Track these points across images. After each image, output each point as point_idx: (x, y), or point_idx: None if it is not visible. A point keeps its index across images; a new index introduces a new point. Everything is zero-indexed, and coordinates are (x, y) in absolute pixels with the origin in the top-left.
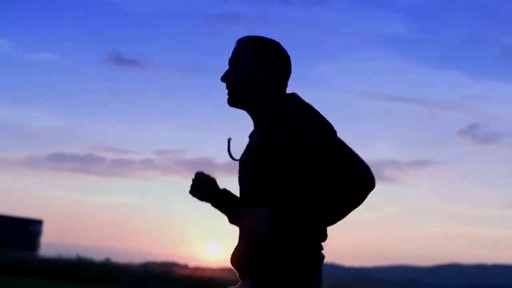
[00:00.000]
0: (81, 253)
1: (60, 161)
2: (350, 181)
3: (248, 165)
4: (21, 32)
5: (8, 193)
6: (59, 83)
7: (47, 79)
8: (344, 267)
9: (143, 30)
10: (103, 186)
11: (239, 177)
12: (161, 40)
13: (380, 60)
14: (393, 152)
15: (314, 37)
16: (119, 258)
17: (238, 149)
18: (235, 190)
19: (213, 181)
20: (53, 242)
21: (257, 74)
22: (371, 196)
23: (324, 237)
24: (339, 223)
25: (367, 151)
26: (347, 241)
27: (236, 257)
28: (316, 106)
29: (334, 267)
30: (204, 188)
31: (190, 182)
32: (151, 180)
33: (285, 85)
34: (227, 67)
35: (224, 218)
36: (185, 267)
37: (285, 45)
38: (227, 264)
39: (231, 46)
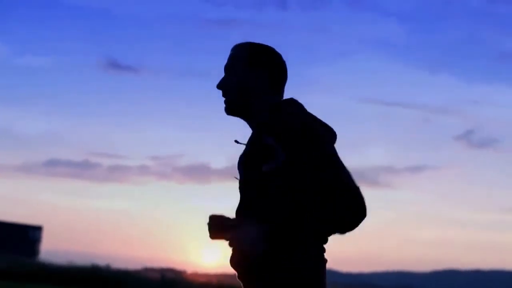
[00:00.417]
0: (76, 259)
1: (55, 167)
2: (344, 205)
3: (250, 173)
4: (16, 36)
5: (4, 200)
6: (53, 89)
7: (41, 84)
8: (341, 273)
9: (137, 34)
10: (98, 192)
11: (239, 184)
12: (156, 45)
13: (375, 65)
14: (389, 158)
15: (309, 41)
16: (116, 264)
17: (239, 154)
18: (233, 194)
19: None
20: (49, 248)
21: (253, 81)
22: (367, 202)
23: (325, 239)
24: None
25: (363, 157)
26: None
27: (235, 260)
28: (311, 110)
29: (331, 273)
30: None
31: (185, 187)
32: (146, 185)
33: (282, 91)
34: (222, 72)
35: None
36: (184, 272)
37: (280, 49)
38: (225, 269)
39: (227, 50)
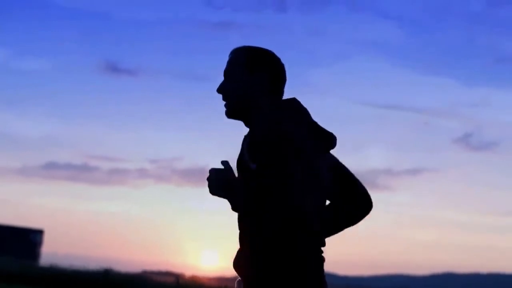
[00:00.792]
0: (75, 262)
1: (54, 170)
2: (353, 203)
3: (248, 175)
4: (15, 40)
5: (3, 203)
6: (52, 91)
7: (40, 87)
8: (339, 276)
9: (136, 38)
10: (97, 195)
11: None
12: (155, 48)
13: (374, 67)
14: (388, 160)
15: (308, 44)
16: (115, 267)
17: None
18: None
19: (228, 170)
20: (48, 251)
21: (252, 85)
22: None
23: (323, 242)
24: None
25: (362, 160)
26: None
27: (238, 262)
28: (310, 113)
29: (329, 276)
30: (220, 183)
31: (184, 190)
32: (145, 188)
33: (281, 93)
34: (221, 75)
35: (222, 225)
36: (181, 275)
37: (278, 52)
38: (224, 272)
39: (225, 53)
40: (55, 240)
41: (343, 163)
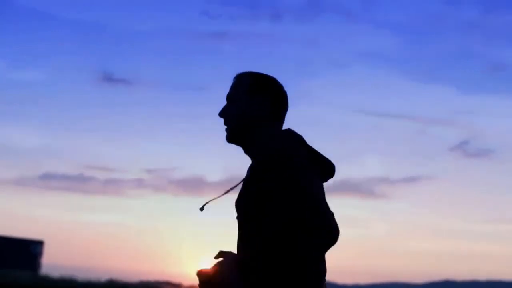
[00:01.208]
0: (73, 273)
1: (51, 180)
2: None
3: (239, 206)
4: (9, 50)
5: (1, 214)
6: (48, 103)
7: (36, 98)
8: (338, 285)
9: (132, 48)
10: (93, 205)
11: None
12: (151, 58)
13: (370, 76)
14: (384, 169)
15: (303, 53)
16: (113, 277)
17: (236, 167)
18: (227, 207)
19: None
20: (48, 262)
21: (254, 110)
22: (363, 213)
23: (324, 274)
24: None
25: (358, 168)
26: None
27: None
28: (305, 122)
29: (328, 285)
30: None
31: (181, 200)
32: (142, 198)
33: (283, 120)
34: (217, 84)
35: (219, 235)
36: (179, 286)
37: (274, 61)
38: None
39: (221, 63)
40: (53, 251)
41: (340, 171)
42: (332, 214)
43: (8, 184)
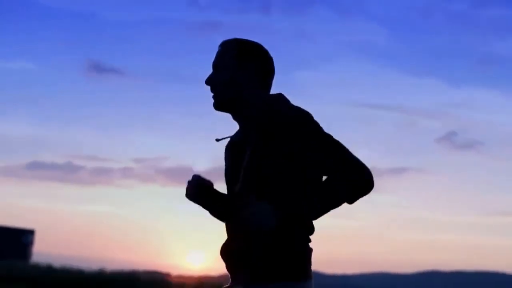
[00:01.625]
0: (63, 262)
1: (38, 170)
2: (353, 181)
3: (249, 165)
4: None
5: None
6: (37, 92)
7: (24, 88)
8: (325, 275)
9: (121, 38)
10: (81, 195)
11: (230, 178)
12: (140, 48)
13: (359, 69)
14: (372, 160)
15: (293, 46)
16: (100, 266)
17: (222, 156)
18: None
19: (208, 187)
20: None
21: (240, 77)
22: (350, 204)
23: (312, 229)
24: (319, 230)
25: None
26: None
27: (228, 250)
28: None
29: (315, 275)
30: (198, 193)
31: (169, 190)
32: (130, 188)
33: (269, 86)
34: (206, 75)
35: (207, 225)
36: (168, 275)
37: None
38: (210, 271)
39: (211, 54)
40: (43, 240)
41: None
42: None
43: None
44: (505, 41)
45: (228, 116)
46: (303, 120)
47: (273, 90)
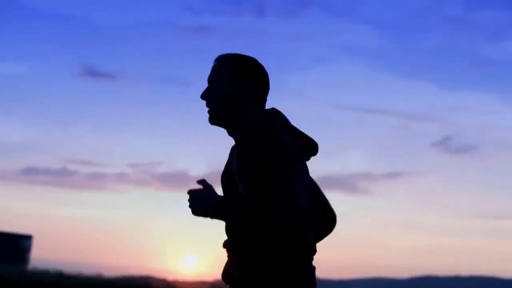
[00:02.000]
0: (57, 267)
1: (33, 175)
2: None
3: (228, 185)
4: None
5: None
6: (30, 96)
7: (19, 92)
8: (322, 280)
9: (115, 42)
10: (76, 200)
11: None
12: (134, 53)
13: (353, 72)
14: (367, 164)
15: (287, 49)
16: (95, 271)
17: (220, 161)
18: None
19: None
20: (35, 257)
21: (236, 92)
22: (346, 208)
23: (313, 250)
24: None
25: (341, 164)
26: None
27: (227, 272)
28: (288, 117)
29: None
30: (199, 204)
31: (164, 194)
32: (125, 193)
33: (264, 101)
34: (200, 78)
35: (202, 229)
36: (163, 280)
37: (257, 56)
38: (204, 277)
39: (205, 58)
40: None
41: (323, 167)
42: (326, 201)
43: None
44: (500, 44)
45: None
46: (258, 146)
47: (269, 94)
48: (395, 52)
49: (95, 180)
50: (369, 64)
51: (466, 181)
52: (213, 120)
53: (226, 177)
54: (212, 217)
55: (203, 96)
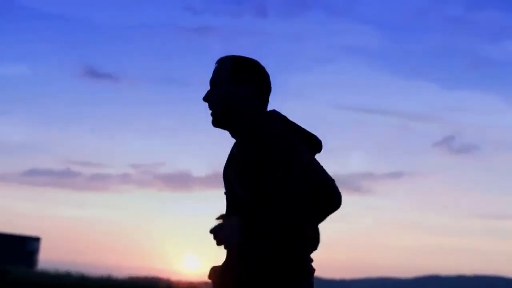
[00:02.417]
0: (63, 268)
1: (36, 176)
2: (316, 199)
3: (232, 182)
4: None
5: None
6: (33, 97)
7: (20, 94)
8: (324, 280)
9: (117, 43)
10: (79, 201)
11: (225, 192)
12: (135, 53)
13: (354, 72)
14: (369, 164)
15: (287, 49)
16: (99, 272)
17: (222, 162)
18: (214, 202)
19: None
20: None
21: (237, 94)
22: (348, 208)
23: (316, 241)
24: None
25: (343, 164)
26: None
27: (221, 276)
28: (290, 118)
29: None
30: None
31: (166, 195)
32: (127, 193)
33: (266, 102)
34: (201, 79)
35: (203, 229)
36: (167, 281)
37: (258, 57)
38: (206, 277)
39: (206, 58)
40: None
41: (325, 167)
42: (332, 181)
43: None
44: (501, 44)
45: None
46: (270, 138)
47: (271, 93)
48: (396, 53)
49: (97, 181)
50: (370, 64)
51: (468, 181)
52: (215, 122)
53: (225, 177)
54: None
55: (205, 99)
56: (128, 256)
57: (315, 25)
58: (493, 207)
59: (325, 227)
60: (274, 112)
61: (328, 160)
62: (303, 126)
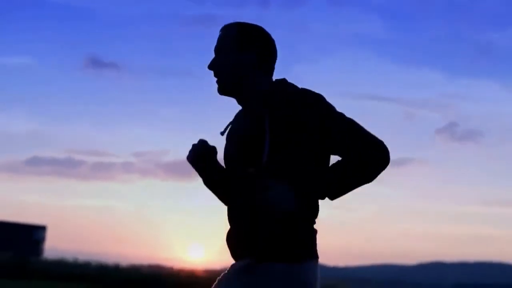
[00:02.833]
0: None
1: (39, 165)
2: (370, 156)
3: (256, 144)
4: None
5: None
6: (36, 87)
7: (24, 83)
8: (328, 267)
9: (119, 33)
10: (82, 190)
11: (232, 157)
12: (138, 43)
13: (358, 60)
14: None
15: (291, 38)
16: (102, 261)
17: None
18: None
19: (212, 150)
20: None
21: (243, 61)
22: (352, 196)
23: (317, 210)
24: (322, 222)
25: None
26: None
27: (233, 235)
28: None
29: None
30: (201, 155)
31: (169, 184)
32: (130, 182)
33: (273, 69)
34: (204, 69)
35: (206, 218)
36: (170, 269)
37: None
38: (210, 264)
39: (209, 49)
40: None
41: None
42: (382, 142)
43: None
44: (506, 31)
45: (227, 104)
46: (315, 100)
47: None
48: (400, 40)
49: (101, 170)
50: (374, 53)
51: (471, 168)
52: (221, 90)
53: (241, 140)
54: (199, 171)
55: (210, 66)
56: (132, 244)
57: (317, 15)
58: (496, 194)
59: (329, 214)
60: (284, 80)
61: None
62: None
